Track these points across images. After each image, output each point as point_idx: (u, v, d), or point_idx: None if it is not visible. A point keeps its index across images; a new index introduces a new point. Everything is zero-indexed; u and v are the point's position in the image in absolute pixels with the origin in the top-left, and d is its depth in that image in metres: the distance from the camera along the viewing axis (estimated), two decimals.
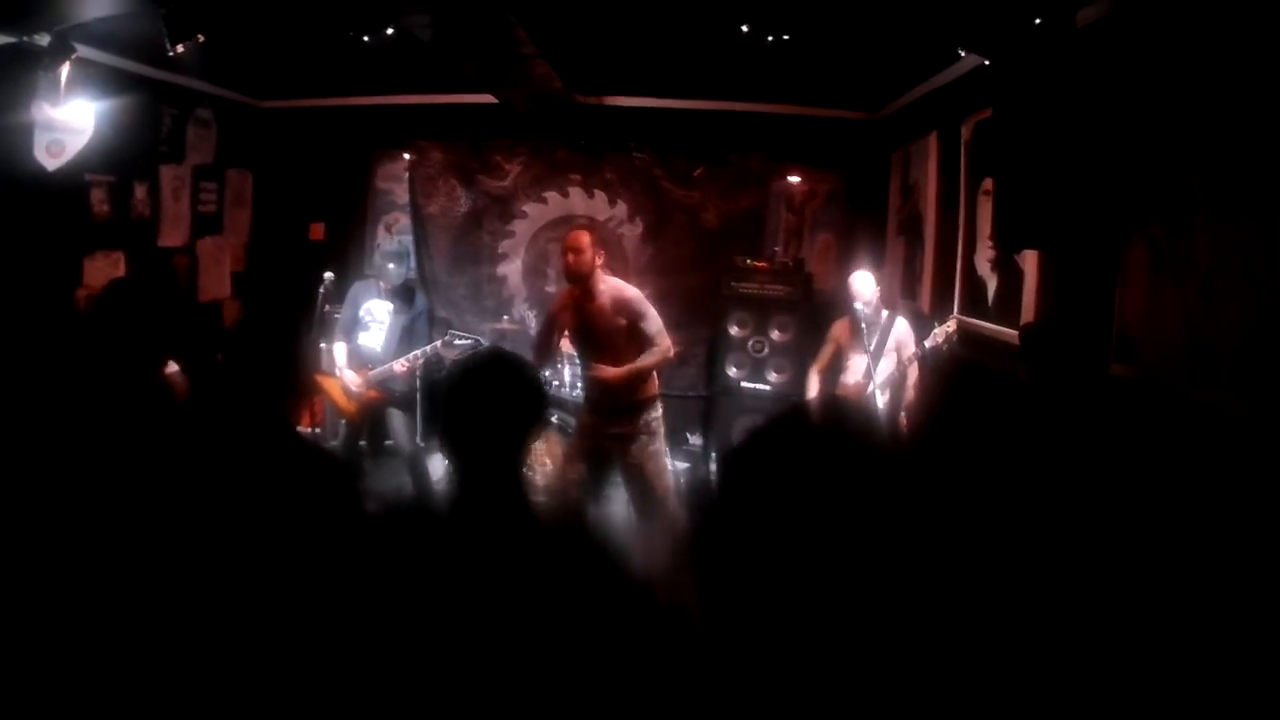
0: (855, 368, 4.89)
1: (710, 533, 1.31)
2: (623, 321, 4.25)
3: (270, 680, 1.72)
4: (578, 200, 7.41)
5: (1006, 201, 3.72)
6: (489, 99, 6.50)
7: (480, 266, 7.51)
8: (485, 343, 5.74)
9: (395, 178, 7.61)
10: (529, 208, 7.46)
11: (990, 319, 4.51)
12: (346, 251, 7.44)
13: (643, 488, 4.35)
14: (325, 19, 4.71)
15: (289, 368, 2.29)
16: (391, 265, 5.27)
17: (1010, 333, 4.16)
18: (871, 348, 4.79)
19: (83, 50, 4.28)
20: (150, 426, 2.19)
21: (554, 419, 5.90)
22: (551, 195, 7.43)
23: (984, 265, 4.66)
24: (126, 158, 5.59)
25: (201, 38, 3.95)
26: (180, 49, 3.91)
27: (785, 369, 6.45)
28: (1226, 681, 1.98)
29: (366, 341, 5.29)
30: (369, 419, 5.35)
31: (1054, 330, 3.68)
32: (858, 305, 4.83)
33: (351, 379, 5.20)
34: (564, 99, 6.54)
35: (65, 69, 4.08)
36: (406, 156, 7.45)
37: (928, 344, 4.51)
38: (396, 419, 5.28)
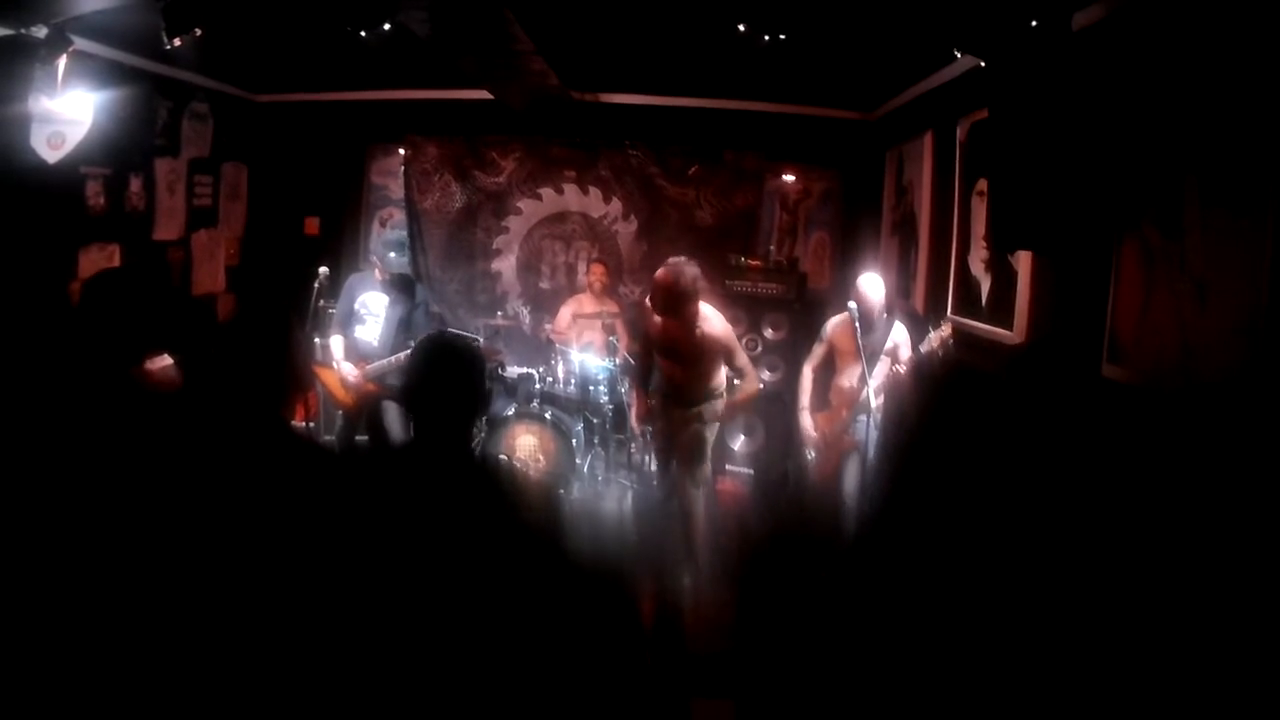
0: (851, 371, 4.82)
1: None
2: (715, 351, 4.59)
3: (263, 664, 1.75)
4: (572, 197, 7.42)
5: (1001, 202, 3.74)
6: (485, 95, 6.51)
7: (474, 262, 7.52)
8: (481, 339, 5.75)
9: (390, 173, 7.61)
10: (524, 204, 7.47)
11: (983, 319, 4.52)
12: (341, 246, 7.46)
13: (691, 460, 4.76)
14: (322, 13, 4.71)
15: (282, 362, 2.30)
16: (393, 254, 5.29)
17: (1003, 333, 4.19)
18: (869, 352, 4.69)
19: (79, 43, 4.26)
20: (128, 416, 2.19)
21: (547, 415, 5.91)
22: (546, 191, 7.44)
23: (978, 266, 4.68)
24: (122, 151, 5.57)
25: (199, 31, 3.95)
26: (177, 42, 3.91)
27: (778, 367, 6.49)
28: (1226, 681, 2.00)
29: (363, 334, 5.30)
30: (366, 413, 5.35)
31: (1039, 352, 3.66)
32: (859, 307, 4.68)
33: (349, 371, 5.20)
34: (560, 96, 6.54)
35: (63, 61, 4.06)
36: (402, 151, 7.45)
37: (922, 349, 4.43)
38: (393, 413, 5.27)
